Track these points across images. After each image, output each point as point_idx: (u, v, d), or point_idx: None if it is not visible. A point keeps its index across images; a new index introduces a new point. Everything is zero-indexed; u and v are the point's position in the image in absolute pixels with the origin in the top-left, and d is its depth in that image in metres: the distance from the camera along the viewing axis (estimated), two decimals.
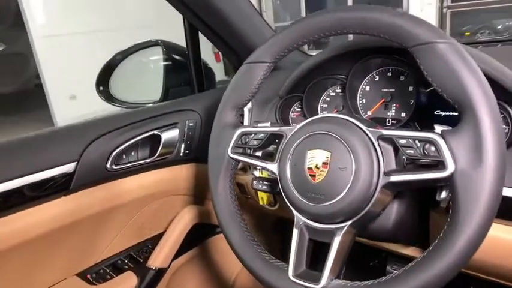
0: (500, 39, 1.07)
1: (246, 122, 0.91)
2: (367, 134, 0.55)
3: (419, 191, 0.66)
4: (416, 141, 0.51)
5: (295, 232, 0.60)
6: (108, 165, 0.86)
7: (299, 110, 0.92)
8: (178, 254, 1.06)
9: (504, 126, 0.66)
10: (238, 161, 0.68)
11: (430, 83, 0.51)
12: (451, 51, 0.49)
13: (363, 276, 0.56)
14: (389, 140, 0.54)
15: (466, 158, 0.46)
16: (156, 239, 1.04)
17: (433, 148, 0.49)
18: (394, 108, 0.80)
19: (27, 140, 0.82)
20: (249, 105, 0.96)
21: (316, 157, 0.57)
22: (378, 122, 0.81)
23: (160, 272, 1.01)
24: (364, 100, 0.83)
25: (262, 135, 0.66)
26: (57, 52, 6.32)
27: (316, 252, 0.61)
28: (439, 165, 0.48)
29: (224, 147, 0.68)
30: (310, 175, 0.57)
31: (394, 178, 0.53)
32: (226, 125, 0.70)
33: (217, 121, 0.71)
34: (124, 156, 0.88)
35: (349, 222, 0.56)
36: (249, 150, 0.70)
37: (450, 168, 0.47)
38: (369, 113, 0.82)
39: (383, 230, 0.67)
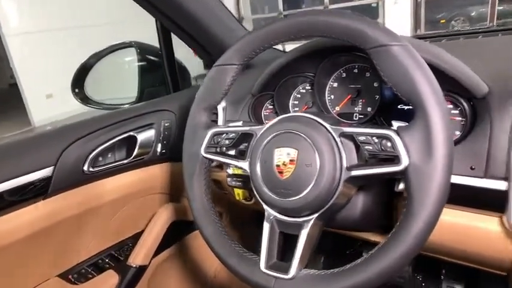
0: (462, 32, 1.11)
1: (220, 121, 0.93)
2: (330, 132, 0.59)
3: (382, 182, 0.70)
4: (374, 138, 0.55)
5: (266, 226, 0.63)
6: (85, 168, 0.87)
7: (271, 107, 0.94)
8: (158, 252, 1.08)
9: (461, 118, 0.71)
10: (211, 160, 0.71)
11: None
12: (404, 53, 0.52)
13: (340, 264, 0.59)
14: (350, 136, 0.58)
15: (417, 153, 0.50)
16: (136, 238, 1.06)
17: (389, 144, 0.53)
18: (361, 103, 0.83)
19: (4, 146, 0.83)
20: (223, 104, 0.99)
21: (283, 155, 0.60)
22: (346, 117, 0.85)
23: (141, 270, 1.04)
24: (332, 96, 0.87)
25: (234, 134, 0.69)
26: (31, 50, 6.17)
27: (287, 244, 0.64)
28: (395, 159, 0.52)
29: (197, 147, 0.71)
30: (279, 172, 0.60)
31: (355, 172, 0.57)
32: (199, 126, 0.72)
33: (190, 122, 0.73)
34: (101, 159, 0.90)
35: (315, 215, 0.59)
36: (223, 149, 0.73)
37: (404, 162, 0.51)
38: (337, 108, 0.86)
39: (351, 220, 0.71)
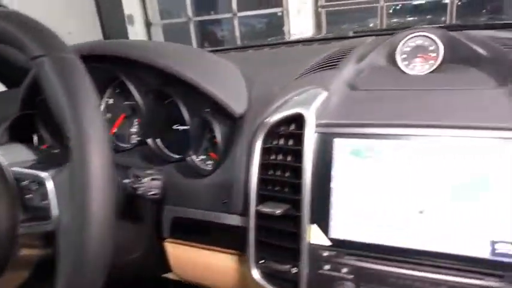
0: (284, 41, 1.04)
1: None
2: (4, 171, 0.43)
3: None
4: (34, 183, 0.40)
5: None
6: None
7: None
8: None
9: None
10: None
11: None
12: (63, 68, 0.39)
13: None
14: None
15: (68, 205, 0.37)
16: None
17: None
18: (136, 123, 0.70)
19: None
20: None
21: None
22: (123, 140, 0.71)
23: None
24: (110, 115, 0.72)
25: None
26: None
27: None
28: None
29: None
30: None
31: (22, 230, 0.41)
32: None
33: None
34: None
35: None
36: None
37: (54, 217, 0.37)
38: (114, 130, 0.71)
39: None
